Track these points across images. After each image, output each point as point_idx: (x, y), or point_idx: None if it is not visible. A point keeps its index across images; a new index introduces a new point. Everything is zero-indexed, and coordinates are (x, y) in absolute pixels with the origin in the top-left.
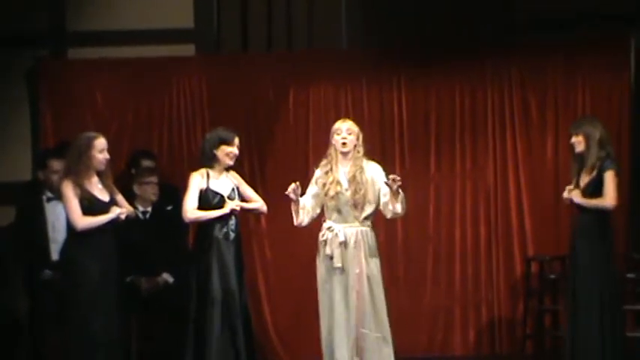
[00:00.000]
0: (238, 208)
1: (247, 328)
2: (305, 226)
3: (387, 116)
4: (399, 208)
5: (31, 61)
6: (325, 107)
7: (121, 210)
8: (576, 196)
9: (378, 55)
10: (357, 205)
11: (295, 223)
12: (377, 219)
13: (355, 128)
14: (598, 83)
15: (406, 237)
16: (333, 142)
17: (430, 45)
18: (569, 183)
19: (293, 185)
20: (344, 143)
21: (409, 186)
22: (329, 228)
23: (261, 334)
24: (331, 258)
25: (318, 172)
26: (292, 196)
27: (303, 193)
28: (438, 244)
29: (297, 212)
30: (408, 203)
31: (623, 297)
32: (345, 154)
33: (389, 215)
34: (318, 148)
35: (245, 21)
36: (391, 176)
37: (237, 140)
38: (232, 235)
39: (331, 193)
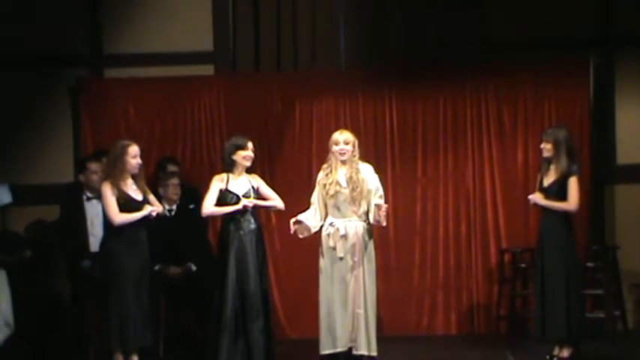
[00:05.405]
0: (251, 205)
1: (265, 307)
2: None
3: (380, 127)
4: (371, 219)
5: (73, 80)
6: (326, 119)
7: (153, 208)
8: (540, 199)
9: (373, 73)
10: (355, 201)
11: (309, 233)
12: None
13: (351, 138)
14: (562, 98)
15: (397, 231)
16: (333, 150)
17: (418, 64)
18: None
19: (293, 226)
20: (342, 153)
21: (399, 187)
22: (331, 223)
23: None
24: (334, 249)
25: (320, 175)
26: (297, 228)
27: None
28: (424, 238)
29: (304, 231)
30: (398, 202)
31: (583, 283)
32: (343, 160)
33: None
34: (320, 153)
35: (257, 44)
36: (381, 209)
37: (250, 145)
38: (249, 228)
39: (331, 192)
